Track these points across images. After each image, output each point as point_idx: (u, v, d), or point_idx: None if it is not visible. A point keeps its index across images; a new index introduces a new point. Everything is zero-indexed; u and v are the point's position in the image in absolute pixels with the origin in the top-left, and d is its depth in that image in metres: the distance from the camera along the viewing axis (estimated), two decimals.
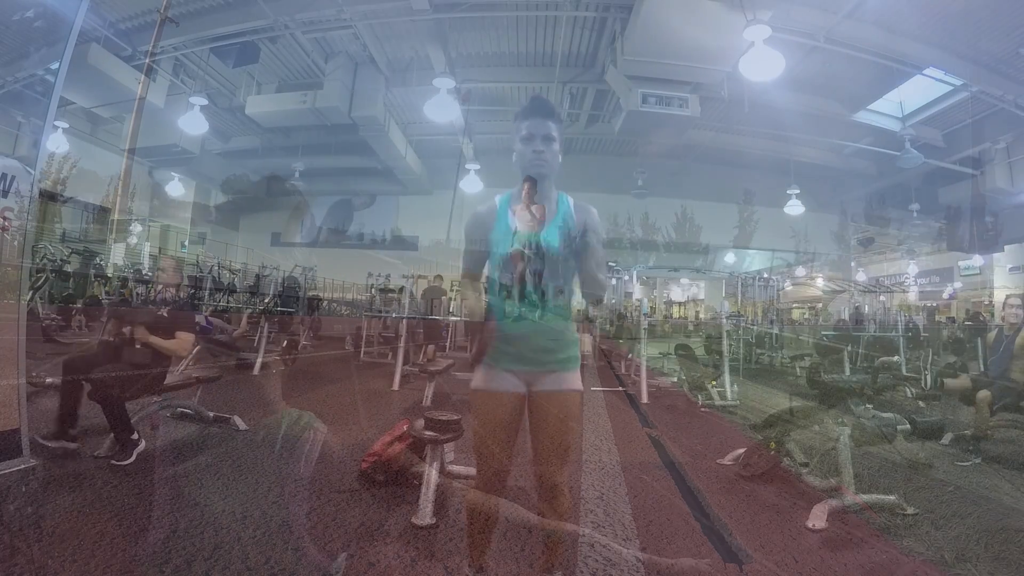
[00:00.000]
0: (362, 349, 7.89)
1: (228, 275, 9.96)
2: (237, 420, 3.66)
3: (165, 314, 3.23)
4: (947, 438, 3.83)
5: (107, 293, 8.17)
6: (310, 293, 10.09)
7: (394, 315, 7.80)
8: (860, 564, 2.14)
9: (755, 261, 14.74)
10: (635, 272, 10.69)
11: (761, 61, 7.29)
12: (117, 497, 2.40)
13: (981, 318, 8.68)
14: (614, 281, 11.41)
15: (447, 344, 8.38)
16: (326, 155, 11.48)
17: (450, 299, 9.00)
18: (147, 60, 8.26)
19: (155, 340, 3.08)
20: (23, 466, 1.96)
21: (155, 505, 2.38)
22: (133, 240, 10.97)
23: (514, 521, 2.32)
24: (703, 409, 5.17)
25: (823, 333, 8.85)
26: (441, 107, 9.36)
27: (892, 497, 2.69)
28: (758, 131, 10.48)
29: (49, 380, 3.62)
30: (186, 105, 9.65)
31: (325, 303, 10.84)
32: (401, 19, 8.26)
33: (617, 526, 2.39)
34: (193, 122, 9.74)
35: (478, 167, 11.32)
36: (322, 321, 9.57)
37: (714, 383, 5.42)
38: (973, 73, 8.21)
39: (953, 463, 3.51)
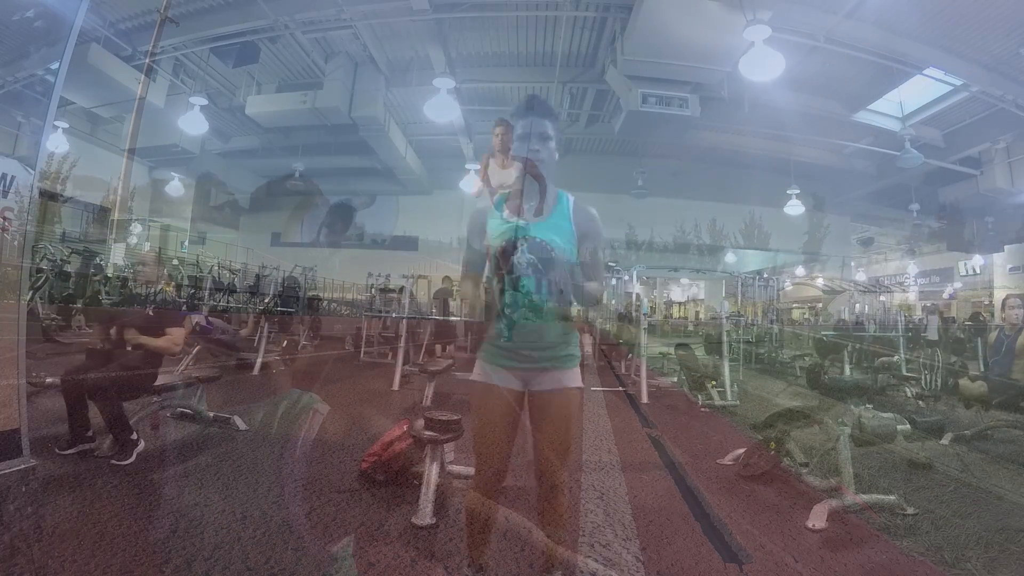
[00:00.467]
0: (362, 349, 7.89)
1: (228, 275, 9.96)
2: (237, 420, 3.66)
3: (151, 312, 3.22)
4: (947, 438, 3.83)
5: (107, 293, 8.16)
6: (310, 293, 10.09)
7: (394, 315, 7.81)
8: (860, 564, 2.14)
9: (754, 261, 14.75)
10: (635, 272, 10.67)
11: (761, 61, 7.30)
12: (117, 497, 2.40)
13: (981, 318, 8.68)
14: (614, 281, 11.41)
15: (456, 344, 8.40)
16: (326, 155, 11.48)
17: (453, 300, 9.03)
18: (147, 60, 8.27)
19: (145, 340, 3.08)
20: (23, 466, 1.96)
21: (155, 505, 2.38)
22: (133, 240, 10.97)
23: (514, 521, 2.32)
24: (703, 409, 5.17)
25: (823, 333, 8.85)
26: (441, 107, 9.36)
27: (892, 497, 2.69)
28: (758, 131, 10.48)
29: (49, 380, 3.61)
30: (186, 105, 9.65)
31: (325, 303, 10.84)
32: (401, 19, 8.25)
33: (617, 526, 2.38)
34: (193, 122, 9.74)
35: (478, 167, 11.30)
36: (322, 321, 9.57)
37: (714, 383, 5.41)
38: (973, 73, 8.21)
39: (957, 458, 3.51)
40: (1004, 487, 3.06)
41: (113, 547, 1.94)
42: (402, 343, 6.13)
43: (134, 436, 2.91)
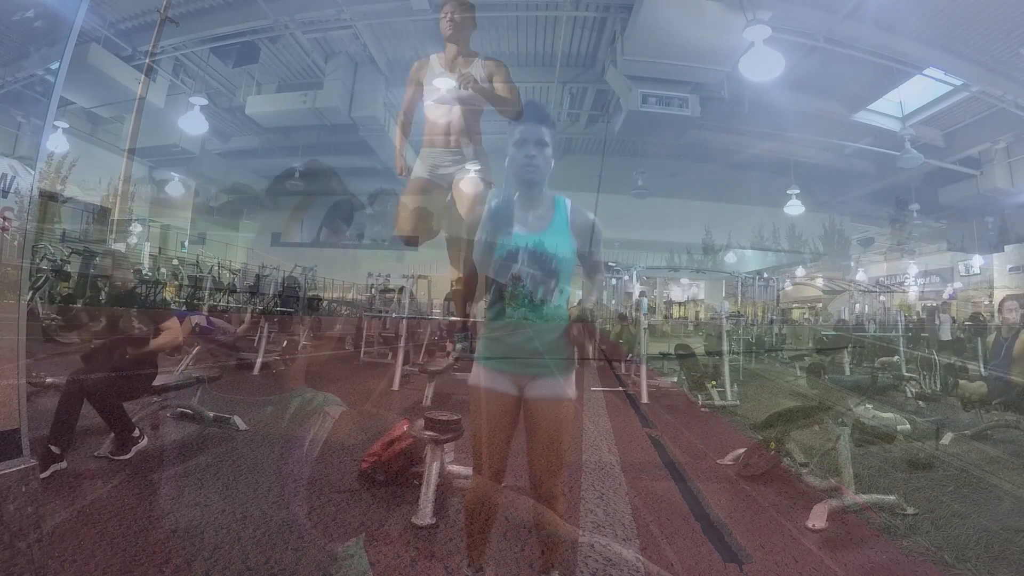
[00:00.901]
0: (362, 349, 7.89)
1: (228, 275, 9.96)
2: (237, 420, 3.66)
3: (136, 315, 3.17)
4: (947, 438, 3.83)
5: (107, 293, 8.15)
6: (310, 293, 10.09)
7: (394, 315, 7.81)
8: (860, 564, 2.14)
9: (754, 261, 14.73)
10: (635, 272, 10.66)
11: (761, 61, 7.30)
12: (117, 497, 2.40)
13: (981, 318, 8.68)
14: (614, 281, 11.41)
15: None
16: (326, 155, 11.47)
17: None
18: (147, 60, 8.26)
19: (145, 342, 3.05)
20: (23, 466, 1.96)
21: (155, 505, 2.39)
22: (133, 240, 10.96)
23: (513, 521, 2.32)
24: (703, 409, 5.17)
25: (823, 333, 8.86)
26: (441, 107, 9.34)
27: (892, 497, 2.69)
28: (758, 131, 10.47)
29: (49, 380, 3.61)
30: (186, 105, 9.65)
31: (325, 303, 10.84)
32: (401, 19, 8.25)
33: (617, 526, 2.39)
34: (193, 122, 9.74)
35: (478, 167, 11.30)
36: (322, 321, 9.57)
37: (714, 383, 5.41)
38: (973, 73, 8.20)
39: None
40: (1004, 487, 3.06)
41: (113, 547, 1.94)
42: (402, 343, 6.12)
43: (136, 433, 2.90)
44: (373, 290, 9.56)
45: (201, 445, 3.27)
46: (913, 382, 5.65)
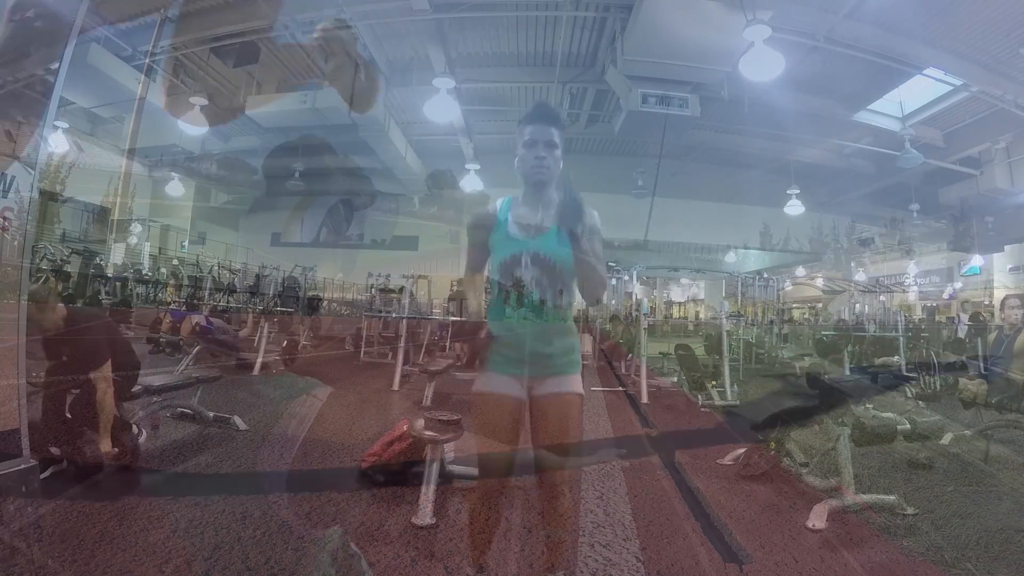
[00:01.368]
0: (362, 349, 7.89)
1: (228, 275, 9.97)
2: (237, 420, 3.66)
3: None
4: (947, 438, 3.83)
5: (107, 293, 8.17)
6: (310, 293, 10.10)
7: (394, 315, 7.81)
8: (860, 564, 2.14)
9: (754, 261, 14.73)
10: (635, 272, 10.66)
11: (761, 61, 7.30)
12: (117, 497, 2.40)
13: (981, 318, 8.68)
14: (614, 281, 11.41)
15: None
16: (326, 155, 11.47)
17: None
18: (147, 60, 8.26)
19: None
20: (23, 466, 1.96)
21: (155, 505, 2.38)
22: (133, 240, 10.97)
23: (515, 521, 2.32)
24: (703, 409, 5.17)
25: (823, 333, 8.86)
26: (441, 107, 9.36)
27: (892, 497, 2.68)
28: (758, 131, 10.48)
29: (49, 380, 3.61)
30: (186, 105, 9.65)
31: (325, 303, 10.85)
32: (401, 19, 8.25)
33: (617, 526, 2.39)
34: (193, 122, 9.74)
35: (478, 167, 11.33)
36: (322, 321, 9.58)
37: (714, 383, 5.41)
38: (973, 73, 8.20)
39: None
40: (1004, 487, 3.07)
41: (113, 547, 1.94)
42: (402, 343, 6.13)
43: (135, 431, 2.90)
44: (373, 290, 9.56)
45: (201, 445, 3.27)
46: (914, 382, 5.64)
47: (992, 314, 9.45)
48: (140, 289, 8.47)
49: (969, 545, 2.29)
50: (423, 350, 7.63)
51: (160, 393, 3.31)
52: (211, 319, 6.09)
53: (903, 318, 8.47)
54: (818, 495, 2.75)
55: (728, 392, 5.36)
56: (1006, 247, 11.76)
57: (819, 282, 13.67)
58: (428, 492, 2.38)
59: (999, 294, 10.39)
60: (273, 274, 9.87)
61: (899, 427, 2.88)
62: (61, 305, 2.79)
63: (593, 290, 1.62)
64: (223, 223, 13.59)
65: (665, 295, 15.57)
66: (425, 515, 2.31)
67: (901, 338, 7.42)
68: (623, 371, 7.20)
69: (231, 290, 9.28)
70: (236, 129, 11.46)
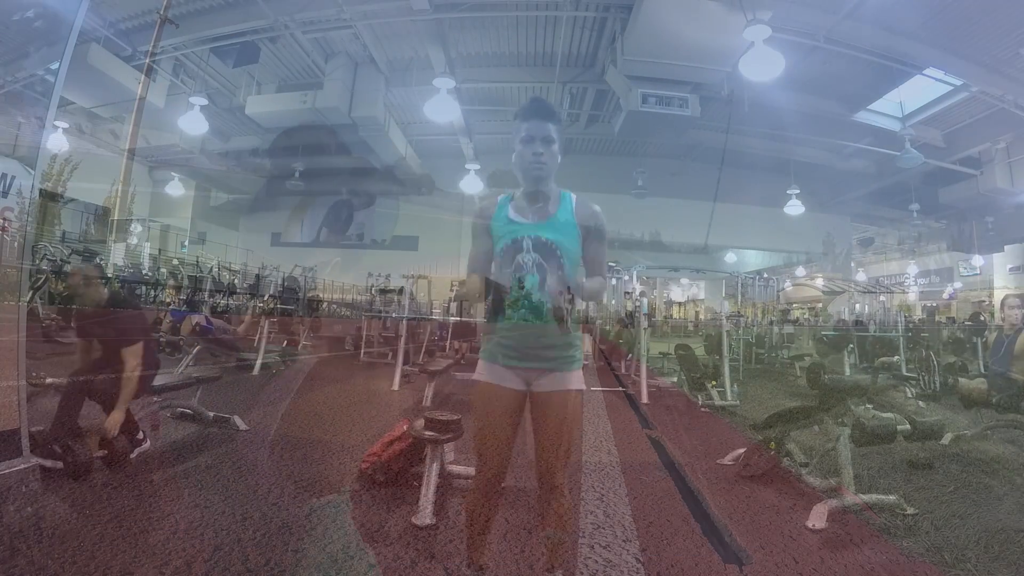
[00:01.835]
0: (362, 349, 7.89)
1: (228, 275, 9.97)
2: (237, 420, 3.65)
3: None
4: (947, 438, 3.83)
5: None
6: (310, 293, 10.10)
7: (394, 315, 7.82)
8: (860, 564, 2.14)
9: (754, 261, 14.74)
10: (635, 272, 10.67)
11: (761, 61, 7.30)
12: (117, 497, 2.40)
13: (981, 318, 8.68)
14: (614, 281, 11.41)
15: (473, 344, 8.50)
16: (326, 155, 11.48)
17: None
18: (147, 60, 8.26)
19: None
20: (23, 466, 1.96)
21: (155, 505, 2.38)
22: (133, 240, 10.97)
23: (514, 521, 2.32)
24: (703, 409, 5.17)
25: (823, 333, 8.86)
26: (441, 107, 9.36)
27: (892, 497, 2.68)
28: (758, 131, 10.48)
29: (49, 380, 3.61)
30: (186, 105, 9.65)
31: (325, 304, 10.84)
32: (401, 19, 8.25)
33: (617, 526, 2.38)
34: (193, 122, 9.74)
35: (478, 167, 11.34)
36: (322, 322, 9.57)
37: (714, 383, 5.41)
38: (973, 73, 8.21)
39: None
40: (1004, 487, 3.06)
41: (113, 547, 1.94)
42: (402, 343, 6.12)
43: (140, 435, 2.90)
44: (373, 290, 9.56)
45: (201, 445, 3.27)
46: (914, 382, 5.64)
47: (991, 314, 9.45)
48: (140, 289, 8.46)
49: (969, 545, 2.29)
50: (423, 350, 7.63)
51: (160, 393, 3.31)
52: (211, 319, 6.09)
53: (903, 318, 8.47)
54: (818, 495, 2.75)
55: (728, 392, 5.36)
56: (1006, 247, 11.76)
57: (819, 282, 13.67)
58: (428, 492, 2.38)
59: (999, 294, 10.39)
60: (273, 274, 9.88)
61: (899, 427, 2.87)
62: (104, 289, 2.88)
63: (595, 286, 1.61)
64: (223, 223, 13.60)
65: (665, 295, 15.58)
66: (425, 515, 2.31)
67: (901, 338, 7.42)
68: (623, 371, 7.20)
69: (231, 290, 9.28)
70: (236, 129, 11.47)
